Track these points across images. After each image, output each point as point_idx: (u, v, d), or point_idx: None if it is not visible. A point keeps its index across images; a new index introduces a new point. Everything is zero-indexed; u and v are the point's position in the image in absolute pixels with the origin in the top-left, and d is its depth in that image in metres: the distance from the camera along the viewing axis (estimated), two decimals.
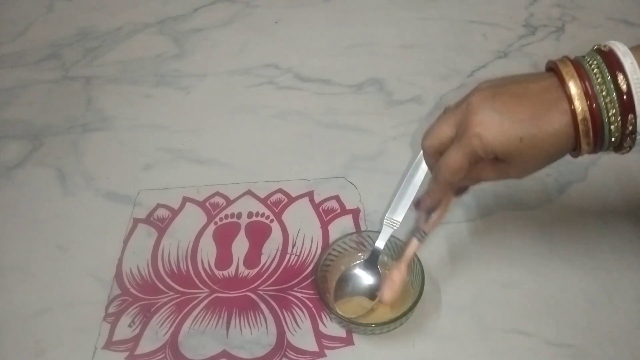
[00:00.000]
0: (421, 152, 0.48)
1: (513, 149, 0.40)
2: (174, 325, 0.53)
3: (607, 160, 0.65)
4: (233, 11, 0.92)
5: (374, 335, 0.51)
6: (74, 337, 0.52)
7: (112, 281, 0.56)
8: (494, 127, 0.40)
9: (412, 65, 0.80)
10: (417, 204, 0.50)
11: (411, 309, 0.49)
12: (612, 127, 0.39)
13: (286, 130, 0.71)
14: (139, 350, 0.51)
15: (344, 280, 0.54)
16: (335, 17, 0.89)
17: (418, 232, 0.50)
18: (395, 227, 0.52)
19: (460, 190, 0.49)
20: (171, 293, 0.55)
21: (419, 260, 0.52)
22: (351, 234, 0.57)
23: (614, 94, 0.38)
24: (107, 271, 0.57)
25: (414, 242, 0.50)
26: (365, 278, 0.53)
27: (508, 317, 0.52)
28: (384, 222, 0.53)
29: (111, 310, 0.54)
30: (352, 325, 0.51)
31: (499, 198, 0.61)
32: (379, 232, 0.53)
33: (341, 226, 0.60)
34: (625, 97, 0.38)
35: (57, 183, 0.66)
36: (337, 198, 0.63)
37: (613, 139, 0.39)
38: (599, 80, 0.38)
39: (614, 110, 0.38)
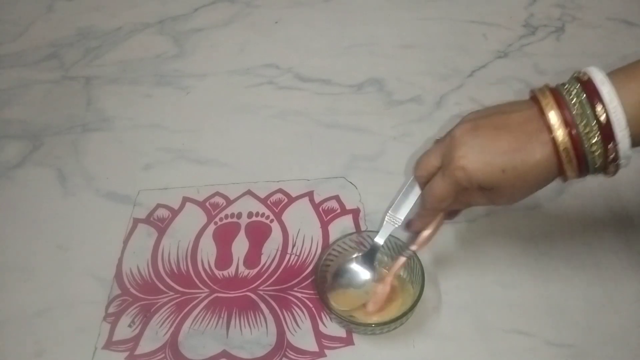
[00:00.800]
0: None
1: (496, 180, 0.41)
2: (174, 325, 0.53)
3: None
4: (233, 11, 0.92)
5: (374, 335, 0.51)
6: (74, 337, 0.52)
7: (112, 281, 0.56)
8: (477, 159, 0.42)
9: (412, 65, 0.80)
10: (407, 225, 0.51)
11: (411, 309, 0.49)
12: (595, 155, 0.39)
13: (286, 130, 0.71)
14: (139, 350, 0.51)
15: (340, 272, 0.54)
16: (335, 17, 0.89)
17: (406, 250, 0.51)
18: (396, 225, 0.52)
19: (451, 214, 0.50)
20: (171, 293, 0.55)
21: (419, 260, 0.52)
22: (351, 234, 0.57)
23: (594, 123, 0.39)
24: (107, 271, 0.57)
25: (402, 260, 0.51)
26: (361, 272, 0.53)
27: (508, 317, 0.52)
28: (386, 219, 0.52)
29: (111, 310, 0.54)
30: (352, 325, 0.51)
31: None
32: (379, 230, 0.53)
33: (341, 226, 0.60)
34: (604, 126, 0.38)
35: (57, 183, 0.66)
36: (337, 198, 0.63)
37: (597, 165, 0.40)
38: (579, 110, 0.39)
39: (595, 139, 0.39)
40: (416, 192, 0.50)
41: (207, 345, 0.51)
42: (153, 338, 0.52)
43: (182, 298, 0.55)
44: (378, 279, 0.53)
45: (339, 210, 0.62)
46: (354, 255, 0.55)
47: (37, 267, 0.58)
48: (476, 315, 0.52)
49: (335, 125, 0.72)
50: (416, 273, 0.52)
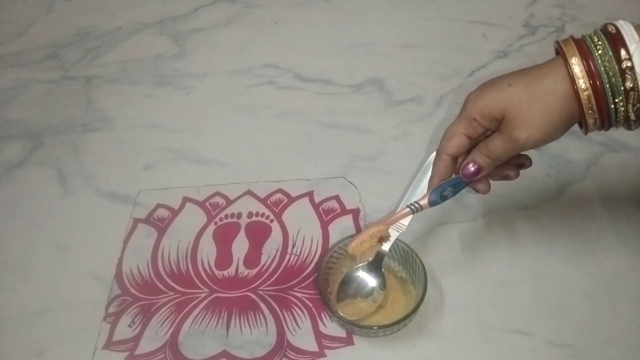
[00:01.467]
0: (431, 155, 0.49)
1: (503, 96, 0.41)
2: (174, 325, 0.53)
3: (607, 160, 0.65)
4: (233, 11, 0.92)
5: (377, 337, 0.51)
6: (74, 337, 0.52)
7: (112, 281, 0.56)
8: (488, 88, 0.42)
9: (412, 65, 0.80)
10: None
11: (414, 311, 0.49)
12: (617, 103, 0.39)
13: (286, 130, 0.71)
14: (139, 350, 0.51)
15: (347, 282, 0.53)
16: (335, 17, 0.89)
17: (414, 204, 0.48)
18: (401, 231, 0.50)
19: (471, 171, 0.45)
20: (171, 293, 0.55)
21: (421, 262, 0.52)
22: (352, 235, 0.57)
23: (617, 69, 0.38)
24: (107, 271, 0.57)
25: (406, 210, 0.49)
26: (369, 281, 0.52)
27: (508, 317, 0.52)
28: (392, 225, 0.51)
29: (111, 310, 0.54)
30: (355, 328, 0.50)
31: (499, 198, 0.61)
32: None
33: (341, 226, 0.60)
34: (628, 70, 0.38)
35: (57, 183, 0.66)
36: (337, 198, 0.63)
37: (621, 115, 0.39)
38: (603, 57, 0.39)
39: (618, 79, 0.38)
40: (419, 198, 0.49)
41: (207, 345, 0.51)
42: (153, 338, 0.52)
43: (182, 298, 0.55)
44: (384, 285, 0.52)
45: (339, 210, 0.62)
46: (361, 264, 0.53)
47: (37, 267, 0.58)
48: (476, 315, 0.52)
49: (335, 125, 0.72)
50: (418, 275, 0.52)
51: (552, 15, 0.88)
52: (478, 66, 0.79)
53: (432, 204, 0.47)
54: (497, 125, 0.43)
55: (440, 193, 0.47)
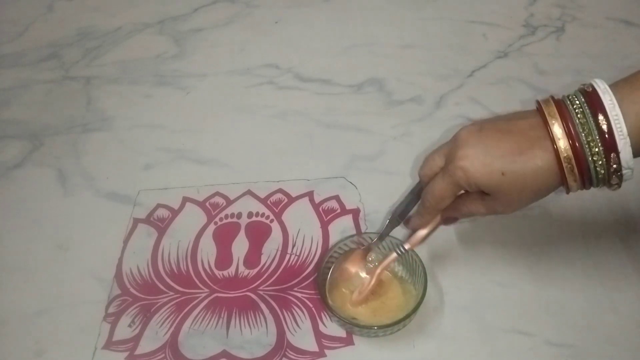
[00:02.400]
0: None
1: (495, 183, 0.42)
2: (174, 325, 0.53)
3: None
4: (233, 11, 0.92)
5: (377, 337, 0.51)
6: (74, 337, 0.52)
7: (112, 281, 0.56)
8: (478, 160, 0.42)
9: (412, 65, 0.80)
10: (406, 221, 0.52)
11: (414, 311, 0.49)
12: (597, 165, 0.40)
13: (286, 130, 0.71)
14: (139, 350, 0.51)
15: (335, 272, 0.54)
16: (335, 17, 0.89)
17: (400, 247, 0.51)
18: (397, 226, 0.53)
19: (449, 220, 0.50)
20: (171, 293, 0.55)
21: (421, 262, 0.52)
22: (352, 235, 0.56)
23: (596, 132, 0.39)
24: (107, 271, 0.57)
25: (393, 256, 0.51)
26: (354, 270, 0.54)
27: (508, 317, 0.52)
28: (388, 219, 0.53)
29: (111, 310, 0.54)
30: (355, 328, 0.50)
31: None
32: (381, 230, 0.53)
33: (341, 226, 0.60)
34: (607, 135, 0.39)
35: (57, 183, 0.66)
36: (337, 198, 0.63)
37: (600, 176, 0.40)
38: (582, 120, 0.39)
39: (597, 149, 0.39)
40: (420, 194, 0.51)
41: (207, 345, 0.51)
42: (153, 338, 0.52)
43: (182, 298, 0.55)
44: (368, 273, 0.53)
45: (339, 210, 0.62)
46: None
47: (37, 267, 0.58)
48: (476, 315, 0.52)
49: (335, 125, 0.72)
50: (418, 275, 0.52)
51: (552, 15, 0.88)
52: (478, 66, 0.79)
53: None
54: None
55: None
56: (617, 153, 0.39)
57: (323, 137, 0.70)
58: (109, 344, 0.51)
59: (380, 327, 0.49)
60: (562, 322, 0.51)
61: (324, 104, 0.75)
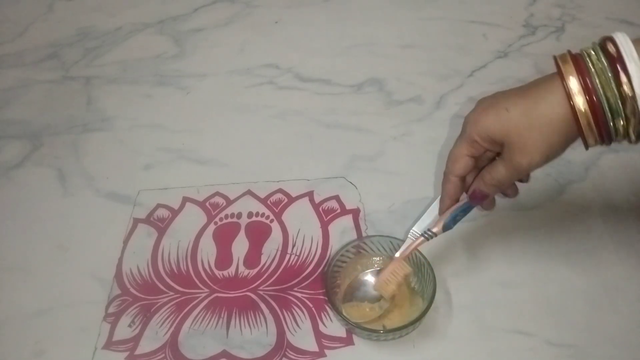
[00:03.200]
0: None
1: (502, 124, 0.41)
2: (174, 325, 0.53)
3: (607, 160, 0.65)
4: (233, 11, 0.92)
5: (379, 341, 0.51)
6: (74, 337, 0.52)
7: (112, 281, 0.56)
8: (483, 108, 0.43)
9: (412, 65, 0.80)
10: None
11: (419, 319, 0.49)
12: (615, 117, 0.38)
13: (286, 130, 0.71)
14: (139, 350, 0.51)
15: (356, 284, 0.53)
16: (335, 17, 0.89)
17: (427, 232, 0.49)
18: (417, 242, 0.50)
19: (475, 197, 0.48)
20: (171, 293, 0.55)
21: (434, 276, 0.51)
22: (375, 236, 0.56)
23: (614, 84, 0.38)
24: (107, 271, 0.57)
25: (421, 240, 0.50)
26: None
27: (508, 317, 0.52)
28: (409, 235, 0.51)
29: (111, 310, 0.54)
30: (358, 330, 0.50)
31: (499, 198, 0.61)
32: (402, 240, 0.52)
33: (341, 226, 0.60)
34: (624, 85, 0.37)
35: (57, 183, 0.66)
36: (337, 198, 0.63)
37: (619, 128, 0.39)
38: (599, 71, 0.38)
39: (615, 92, 0.38)
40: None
41: (207, 345, 0.51)
42: (153, 338, 0.52)
43: (182, 298, 0.55)
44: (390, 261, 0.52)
45: (339, 210, 0.62)
46: (371, 270, 0.53)
47: (37, 267, 0.58)
48: (476, 315, 0.52)
49: (335, 125, 0.72)
50: (427, 285, 0.51)
51: (552, 15, 0.88)
52: (478, 66, 0.79)
53: (445, 228, 0.49)
54: (497, 147, 0.44)
55: (453, 218, 0.49)
56: (636, 100, 0.37)
57: (323, 137, 0.70)
58: (109, 344, 0.51)
59: (387, 331, 0.49)
60: (562, 322, 0.51)
61: (324, 104, 0.75)
